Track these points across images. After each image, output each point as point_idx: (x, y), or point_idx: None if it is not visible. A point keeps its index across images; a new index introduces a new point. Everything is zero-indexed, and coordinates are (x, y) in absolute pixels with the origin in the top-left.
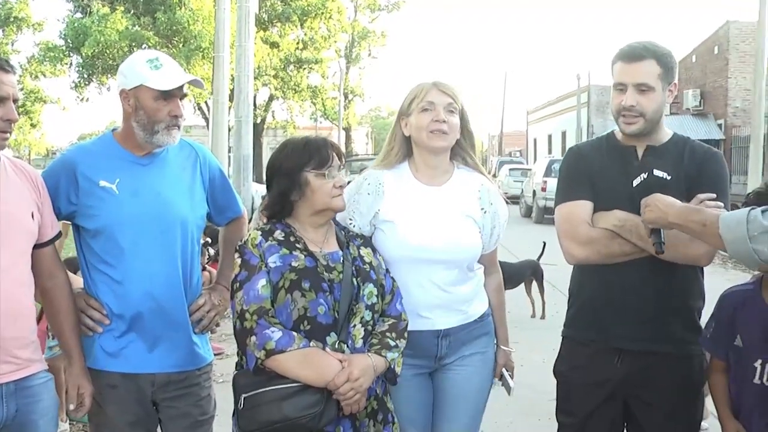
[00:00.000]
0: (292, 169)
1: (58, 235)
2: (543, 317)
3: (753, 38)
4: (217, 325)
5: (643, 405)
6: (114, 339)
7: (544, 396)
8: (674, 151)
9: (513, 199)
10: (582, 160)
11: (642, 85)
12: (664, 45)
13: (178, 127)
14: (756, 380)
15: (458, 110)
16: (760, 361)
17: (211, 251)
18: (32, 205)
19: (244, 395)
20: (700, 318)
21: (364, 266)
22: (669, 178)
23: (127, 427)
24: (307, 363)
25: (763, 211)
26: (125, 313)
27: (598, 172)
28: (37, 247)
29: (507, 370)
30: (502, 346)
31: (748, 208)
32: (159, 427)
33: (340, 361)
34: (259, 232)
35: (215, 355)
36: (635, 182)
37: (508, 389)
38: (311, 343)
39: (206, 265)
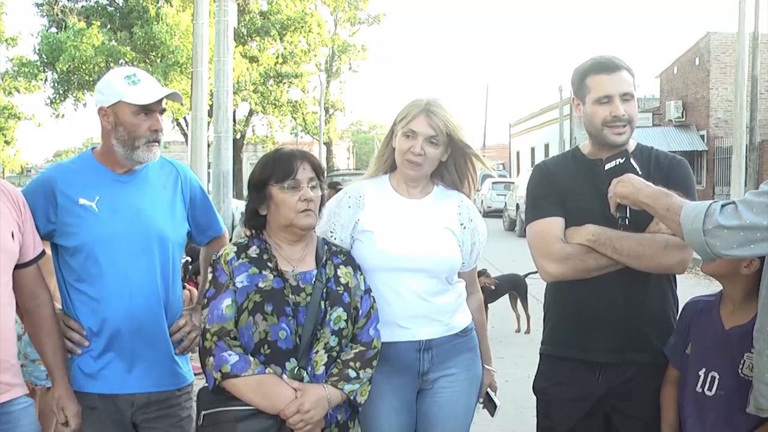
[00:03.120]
0: (259, 182)
1: (41, 255)
2: (528, 332)
3: (733, 49)
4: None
5: (624, 417)
6: (92, 359)
7: (529, 412)
8: (640, 161)
9: (496, 213)
10: (550, 176)
11: (627, 94)
12: None
13: (158, 143)
14: (698, 389)
15: (441, 142)
16: (703, 370)
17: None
18: (12, 224)
19: (204, 412)
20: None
21: (337, 288)
22: (641, 173)
23: None
24: (260, 390)
25: (722, 206)
26: (104, 332)
27: (568, 187)
28: (19, 267)
29: (491, 390)
30: (485, 365)
31: (710, 202)
32: None
33: (295, 390)
34: (234, 248)
35: (195, 374)
36: (608, 165)
37: (493, 410)
38: (268, 369)
39: (185, 284)
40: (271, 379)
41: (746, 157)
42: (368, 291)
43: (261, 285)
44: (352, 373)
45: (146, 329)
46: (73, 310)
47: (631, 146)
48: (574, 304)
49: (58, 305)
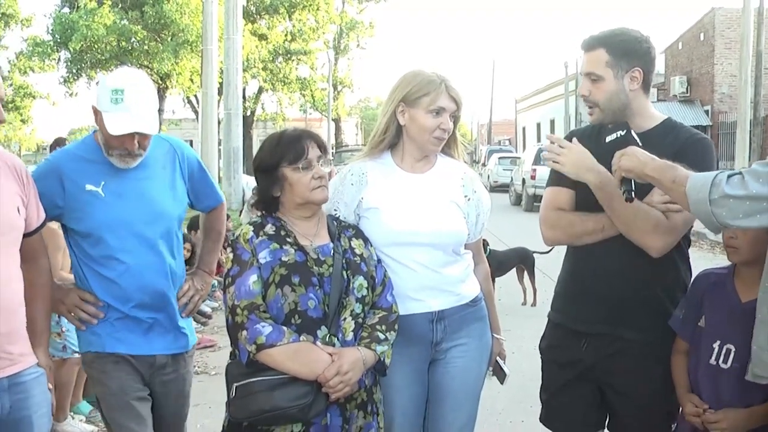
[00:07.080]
0: (269, 166)
1: (44, 223)
2: (534, 304)
3: (738, 24)
4: (210, 318)
5: (616, 393)
6: (111, 325)
7: (536, 383)
8: (657, 137)
9: (502, 188)
10: None
11: (590, 74)
12: (627, 30)
13: (135, 156)
14: (712, 361)
15: (457, 114)
16: (718, 342)
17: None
18: (17, 199)
19: (235, 384)
20: (676, 307)
21: (355, 258)
22: (641, 145)
23: (134, 401)
24: (298, 357)
25: (729, 176)
26: (120, 307)
27: None
28: (23, 236)
29: (500, 359)
30: (494, 334)
31: (717, 172)
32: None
33: (330, 355)
34: (251, 227)
35: (208, 347)
36: (609, 138)
37: (503, 378)
38: (301, 337)
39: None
40: (306, 346)
41: (750, 132)
42: (379, 261)
43: (284, 259)
44: (381, 335)
45: (158, 301)
46: (89, 286)
47: (653, 122)
48: (570, 273)
49: (65, 274)
